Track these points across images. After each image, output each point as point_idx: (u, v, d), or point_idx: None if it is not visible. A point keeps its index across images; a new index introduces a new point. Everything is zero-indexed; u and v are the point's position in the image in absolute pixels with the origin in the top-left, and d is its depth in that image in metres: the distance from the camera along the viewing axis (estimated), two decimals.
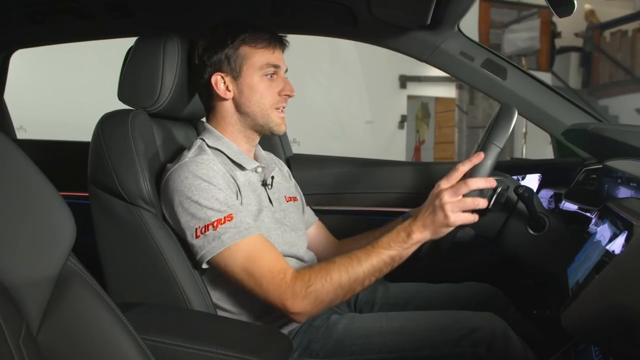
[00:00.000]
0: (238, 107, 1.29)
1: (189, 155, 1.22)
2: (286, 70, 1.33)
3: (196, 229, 1.15)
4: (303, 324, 1.27)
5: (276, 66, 1.28)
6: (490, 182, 1.11)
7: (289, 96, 1.30)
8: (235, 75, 1.27)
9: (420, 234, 1.12)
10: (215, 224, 1.13)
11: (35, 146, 2.11)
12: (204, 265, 1.17)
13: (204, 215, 1.14)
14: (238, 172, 1.27)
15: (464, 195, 1.11)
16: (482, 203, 1.11)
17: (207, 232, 1.14)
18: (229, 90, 1.28)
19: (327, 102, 7.55)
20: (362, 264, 1.12)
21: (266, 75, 1.28)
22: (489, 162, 1.18)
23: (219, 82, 1.27)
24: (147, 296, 1.22)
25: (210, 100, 1.31)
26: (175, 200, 1.17)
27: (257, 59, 1.26)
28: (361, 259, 1.12)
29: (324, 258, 1.52)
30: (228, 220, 1.13)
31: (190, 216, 1.15)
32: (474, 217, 1.12)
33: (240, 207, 1.18)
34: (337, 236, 1.58)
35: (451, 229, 1.12)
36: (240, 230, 1.14)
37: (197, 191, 1.15)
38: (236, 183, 1.23)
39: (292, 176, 1.55)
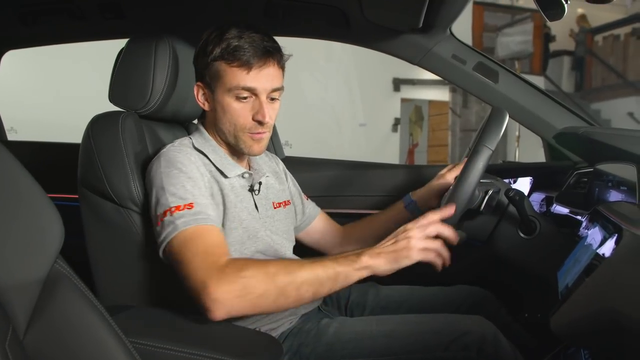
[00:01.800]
0: (213, 121, 1.25)
1: (168, 145, 1.21)
2: (277, 89, 1.20)
3: (157, 215, 1.10)
4: (293, 327, 1.26)
5: (250, 89, 1.17)
6: (454, 236, 1.09)
7: (261, 123, 1.19)
8: (211, 91, 1.21)
9: (370, 259, 1.05)
10: (172, 209, 1.08)
11: (26, 148, 2.11)
12: (161, 256, 1.10)
13: (165, 202, 1.09)
14: (222, 177, 1.23)
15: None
16: (445, 253, 1.07)
17: (165, 219, 1.08)
18: (208, 102, 1.24)
19: (320, 105, 7.56)
20: (305, 269, 1.04)
21: (237, 98, 1.18)
22: (481, 165, 1.18)
23: (199, 92, 1.24)
24: (137, 299, 1.22)
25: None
26: (150, 191, 1.15)
27: (228, 79, 1.16)
28: (304, 264, 1.05)
29: (333, 246, 1.54)
30: (187, 208, 1.08)
31: (156, 203, 1.12)
32: (435, 259, 1.07)
33: (208, 201, 1.13)
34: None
35: (408, 263, 1.05)
36: (196, 218, 1.07)
37: (166, 178, 1.12)
38: (220, 187, 1.20)
39: (287, 175, 1.51)
